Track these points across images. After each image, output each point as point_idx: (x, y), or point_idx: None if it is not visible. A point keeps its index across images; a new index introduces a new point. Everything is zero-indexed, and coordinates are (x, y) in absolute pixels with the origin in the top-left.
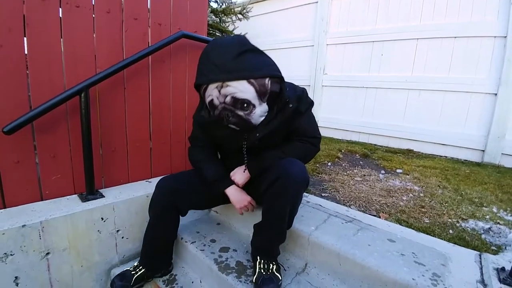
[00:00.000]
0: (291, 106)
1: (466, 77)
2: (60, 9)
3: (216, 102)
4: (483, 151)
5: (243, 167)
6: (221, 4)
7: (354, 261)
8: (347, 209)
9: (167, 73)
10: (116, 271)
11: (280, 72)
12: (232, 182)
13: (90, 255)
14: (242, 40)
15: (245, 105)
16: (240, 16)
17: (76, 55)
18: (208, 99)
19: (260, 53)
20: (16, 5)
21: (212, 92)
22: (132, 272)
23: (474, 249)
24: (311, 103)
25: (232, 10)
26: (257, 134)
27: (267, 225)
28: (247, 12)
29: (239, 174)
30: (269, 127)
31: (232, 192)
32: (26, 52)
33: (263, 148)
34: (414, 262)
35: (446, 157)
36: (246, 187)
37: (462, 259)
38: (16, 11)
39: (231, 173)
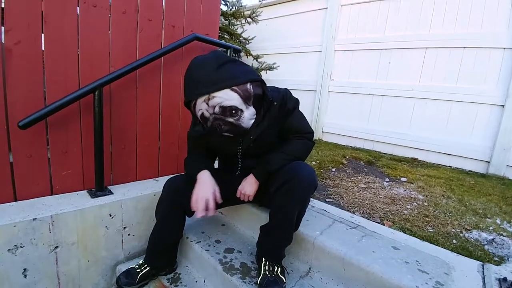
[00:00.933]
0: (276, 104)
1: (474, 88)
2: (78, 7)
3: (206, 114)
4: (489, 162)
5: (248, 178)
6: (231, 7)
7: (359, 266)
8: (351, 215)
9: (178, 75)
10: (122, 267)
11: (259, 76)
12: (205, 168)
13: (97, 250)
14: (218, 54)
15: (234, 111)
16: (249, 19)
17: (91, 54)
18: (199, 113)
19: (237, 62)
20: (35, 2)
21: (201, 106)
22: (137, 270)
23: (477, 260)
24: (297, 101)
25: (242, 13)
26: (251, 137)
27: (274, 227)
28: (257, 16)
29: (248, 186)
30: (260, 128)
31: (200, 177)
32: (43, 49)
33: (258, 150)
34: (418, 270)
35: (451, 167)
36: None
37: (465, 269)
38: (35, 7)
39: (239, 188)
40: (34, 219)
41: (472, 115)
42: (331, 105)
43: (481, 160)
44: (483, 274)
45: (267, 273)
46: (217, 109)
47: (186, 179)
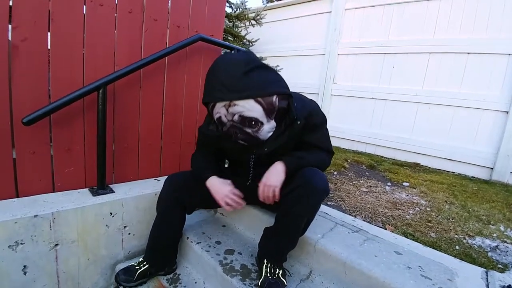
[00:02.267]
0: (299, 123)
1: (478, 94)
2: (85, 6)
3: (224, 119)
4: (492, 168)
5: (273, 167)
6: (235, 10)
7: (360, 271)
8: (353, 219)
9: (182, 75)
10: (121, 266)
11: (288, 89)
12: (213, 173)
13: (97, 248)
14: (248, 56)
15: (253, 123)
16: (253, 22)
17: (96, 52)
18: (216, 116)
19: (267, 69)
20: (43, 0)
21: (220, 110)
22: (136, 267)
23: (481, 266)
24: (325, 117)
25: (246, 15)
26: (265, 149)
27: (281, 231)
28: (261, 19)
29: (274, 175)
30: (277, 142)
31: (210, 183)
32: (49, 47)
33: (272, 160)
34: (421, 276)
35: (454, 172)
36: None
37: (469, 275)
38: (42, 6)
39: (263, 180)
40: (35, 215)
41: (475, 121)
42: (334, 109)
43: (484, 166)
44: (487, 281)
45: (268, 275)
46: (236, 118)
47: (190, 176)
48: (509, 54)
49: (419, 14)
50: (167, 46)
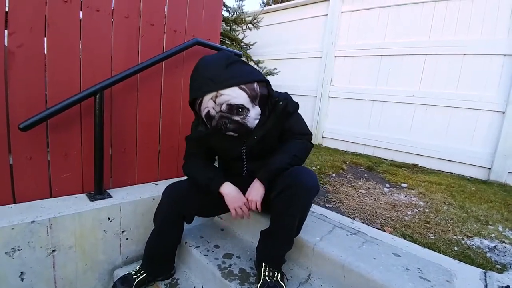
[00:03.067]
0: (281, 104)
1: (474, 94)
2: (81, 12)
3: (212, 112)
4: (489, 169)
5: (253, 183)
6: (232, 13)
7: (359, 273)
8: (352, 221)
9: (179, 79)
10: (119, 271)
11: (264, 77)
12: (225, 180)
13: (94, 254)
14: (227, 54)
15: (240, 109)
16: (250, 25)
17: (93, 57)
18: (204, 112)
19: (244, 62)
20: (38, 6)
21: (208, 104)
22: (134, 276)
23: (479, 267)
24: (297, 104)
25: (243, 19)
26: (255, 137)
27: (276, 232)
28: (258, 22)
29: (254, 190)
30: (264, 127)
31: (228, 190)
32: (45, 52)
33: (261, 152)
34: (419, 278)
35: (452, 173)
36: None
37: (467, 276)
38: (38, 11)
39: (246, 195)
40: (32, 221)
41: (472, 122)
42: (332, 111)
43: (482, 167)
44: (486, 282)
45: (266, 278)
46: (224, 107)
47: (189, 186)
48: (505, 55)
49: (414, 17)
50: (164, 51)
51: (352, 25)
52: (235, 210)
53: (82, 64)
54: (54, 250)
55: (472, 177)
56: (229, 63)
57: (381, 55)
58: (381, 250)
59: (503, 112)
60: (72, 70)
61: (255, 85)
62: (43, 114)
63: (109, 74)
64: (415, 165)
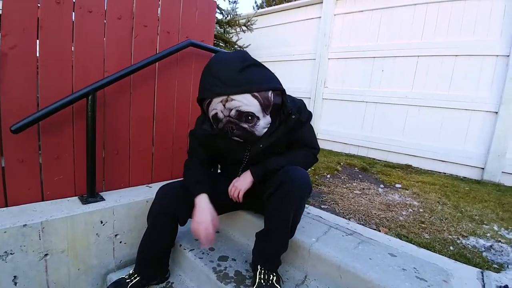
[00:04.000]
0: (294, 117)
1: (467, 95)
2: (74, 13)
3: (220, 115)
4: (483, 169)
5: (243, 173)
6: (226, 16)
7: (355, 274)
8: (347, 221)
9: (173, 80)
10: (112, 276)
11: (282, 85)
12: (205, 191)
13: (87, 258)
14: (244, 54)
15: (250, 117)
16: (244, 28)
17: (86, 59)
18: (212, 113)
19: (262, 67)
20: (31, 7)
21: (217, 106)
22: (127, 280)
23: (476, 267)
24: (311, 114)
25: (237, 22)
26: (261, 145)
27: (270, 232)
28: (252, 25)
29: (242, 180)
30: (272, 138)
31: (200, 203)
32: (37, 54)
33: (265, 158)
34: (416, 278)
35: (445, 173)
36: (248, 196)
37: (464, 276)
38: (31, 13)
39: (233, 181)
40: (24, 225)
41: (465, 122)
42: (326, 112)
43: (475, 167)
44: (483, 281)
45: (262, 281)
46: (233, 113)
47: (182, 187)
48: (497, 55)
49: (406, 19)
50: (157, 52)
51: (345, 27)
52: (195, 227)
53: (74, 66)
54: (46, 254)
55: (465, 177)
56: (245, 66)
57: (374, 57)
58: (377, 250)
59: (496, 113)
60: (64, 71)
61: (270, 93)
62: (35, 116)
63: (102, 75)
64: (409, 166)
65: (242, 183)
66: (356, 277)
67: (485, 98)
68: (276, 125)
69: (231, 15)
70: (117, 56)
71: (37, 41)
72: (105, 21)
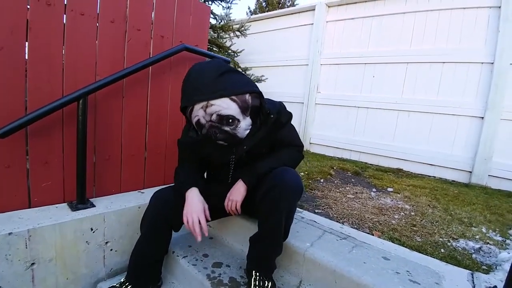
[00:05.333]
0: (272, 116)
1: (454, 101)
2: (65, 15)
3: (202, 121)
4: (471, 172)
5: (236, 184)
6: (220, 21)
7: (350, 278)
8: (341, 225)
9: (166, 85)
10: (102, 285)
11: (258, 88)
12: (196, 186)
13: (76, 267)
14: (220, 62)
15: (230, 120)
16: (238, 33)
17: (77, 62)
18: (194, 120)
19: (238, 72)
20: (20, 8)
21: (198, 113)
22: None
23: (466, 268)
24: (291, 115)
25: (231, 27)
26: (244, 147)
27: (264, 235)
28: (245, 30)
29: (236, 191)
30: (254, 139)
31: (190, 196)
32: (26, 56)
33: (251, 160)
34: (409, 281)
35: (435, 177)
36: (243, 203)
37: (455, 278)
38: (19, 14)
39: (228, 194)
40: (10, 233)
41: (453, 127)
42: (318, 117)
43: (463, 170)
44: (473, 283)
45: None
46: (214, 117)
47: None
48: (482, 63)
49: (396, 26)
50: (150, 56)
51: (337, 34)
52: (187, 218)
53: (65, 69)
54: (33, 263)
55: (454, 181)
56: (221, 72)
57: (365, 63)
58: (370, 254)
59: (482, 118)
60: (54, 75)
61: (247, 96)
62: (23, 120)
63: (93, 79)
64: (400, 170)
65: (236, 195)
66: (351, 282)
67: (471, 104)
68: (258, 125)
69: (225, 20)
70: (109, 59)
71: (26, 43)
72: (97, 24)
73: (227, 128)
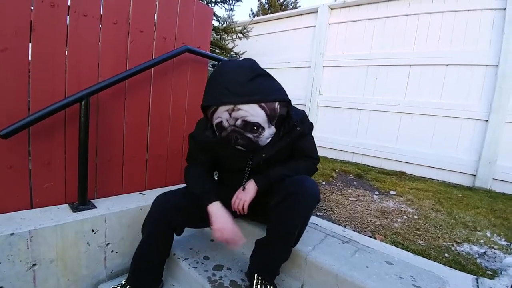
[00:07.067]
0: (299, 129)
1: (458, 103)
2: (68, 17)
3: (225, 124)
4: (474, 175)
5: (249, 183)
6: (222, 23)
7: (353, 283)
8: (343, 229)
9: (168, 86)
10: (103, 286)
11: (287, 96)
12: (217, 199)
13: (77, 268)
14: (253, 64)
15: (255, 128)
16: (240, 35)
17: (79, 63)
18: (216, 121)
19: (270, 77)
20: (24, 10)
21: (222, 115)
22: None
23: (470, 273)
24: (312, 125)
25: (233, 29)
26: (263, 155)
27: (274, 242)
28: (248, 32)
29: (246, 190)
30: (274, 148)
31: (214, 209)
32: (30, 57)
33: (267, 167)
34: (413, 286)
35: (438, 180)
36: (250, 205)
37: (460, 283)
38: (23, 15)
39: (236, 193)
40: (12, 234)
41: (456, 130)
42: (320, 119)
43: (467, 174)
44: None
45: None
46: (239, 122)
47: (180, 196)
48: (486, 65)
49: (399, 28)
50: (153, 57)
51: (340, 36)
52: (222, 233)
53: (68, 70)
54: (34, 264)
55: (457, 184)
56: (255, 75)
57: (368, 66)
58: (373, 258)
59: (486, 121)
60: (57, 76)
61: (276, 104)
62: (25, 120)
63: (96, 80)
64: (403, 173)
65: (246, 194)
66: (353, 286)
67: (475, 107)
68: (280, 135)
69: (228, 22)
70: (112, 61)
71: (30, 44)
72: (100, 25)
73: (249, 135)
